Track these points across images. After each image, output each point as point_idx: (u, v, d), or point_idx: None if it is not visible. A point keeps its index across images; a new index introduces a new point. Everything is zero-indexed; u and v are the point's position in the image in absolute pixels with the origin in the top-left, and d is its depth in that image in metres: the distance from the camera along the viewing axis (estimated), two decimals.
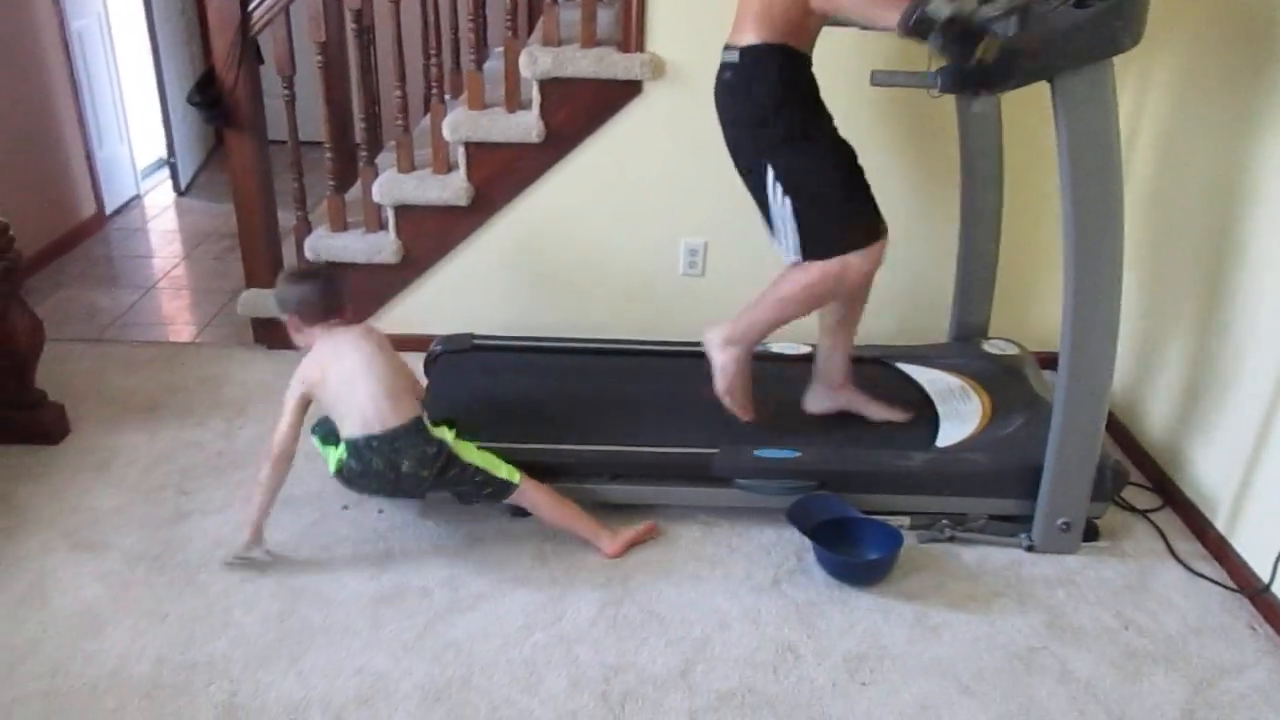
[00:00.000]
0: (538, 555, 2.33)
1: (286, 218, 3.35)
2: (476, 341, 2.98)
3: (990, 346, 2.95)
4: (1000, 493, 2.44)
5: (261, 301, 3.28)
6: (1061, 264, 2.15)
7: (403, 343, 3.21)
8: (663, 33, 2.91)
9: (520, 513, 2.44)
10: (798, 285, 2.34)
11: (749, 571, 2.32)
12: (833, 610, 2.20)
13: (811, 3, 2.13)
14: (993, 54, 1.91)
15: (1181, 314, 2.66)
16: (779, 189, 2.26)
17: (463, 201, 3.11)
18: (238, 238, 3.34)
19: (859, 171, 2.34)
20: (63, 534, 2.36)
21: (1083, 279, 2.13)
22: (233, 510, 2.44)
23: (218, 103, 3.07)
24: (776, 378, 2.75)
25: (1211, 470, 2.48)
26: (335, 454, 2.25)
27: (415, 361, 2.99)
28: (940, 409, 2.66)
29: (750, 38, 2.20)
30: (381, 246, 3.18)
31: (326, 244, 3.20)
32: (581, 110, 3.01)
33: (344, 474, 2.25)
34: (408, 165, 3.16)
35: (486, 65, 3.28)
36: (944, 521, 2.42)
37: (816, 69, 2.34)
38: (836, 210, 2.29)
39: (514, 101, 3.03)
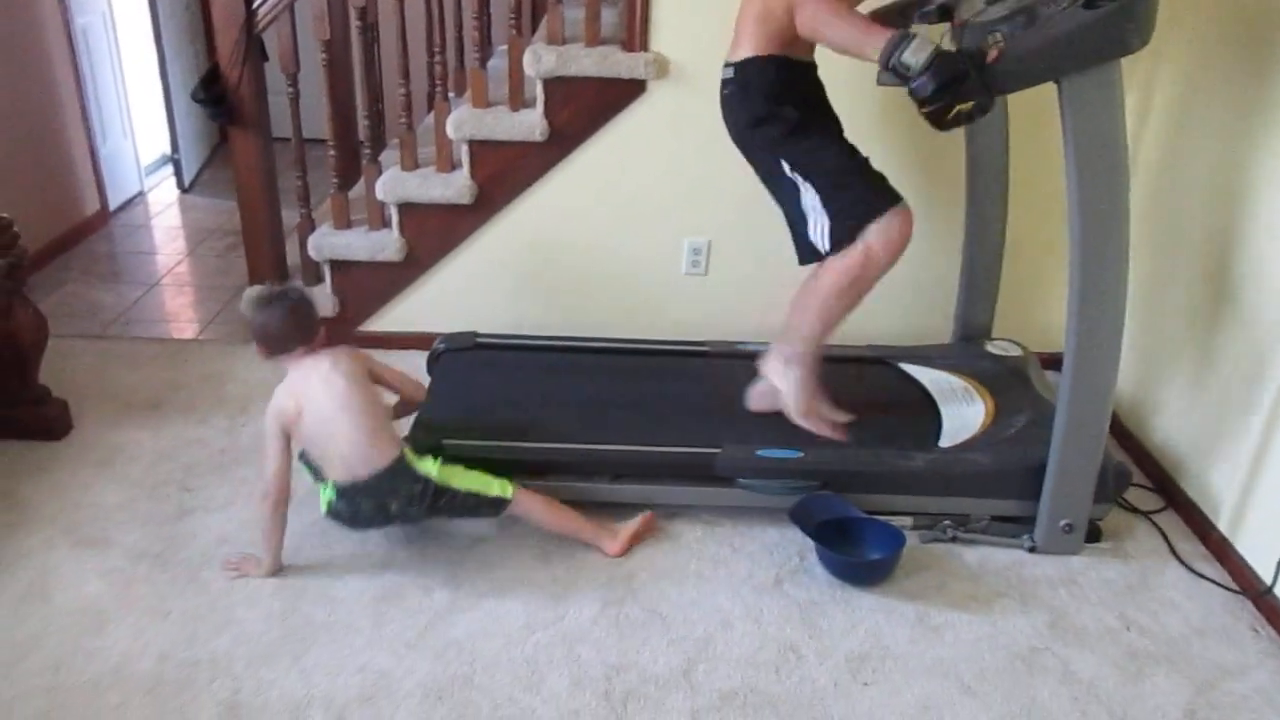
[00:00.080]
0: (540, 554, 2.33)
1: (290, 215, 3.35)
2: (479, 340, 2.98)
3: (994, 347, 2.94)
4: (1003, 493, 2.43)
5: None
6: (1066, 264, 2.15)
7: (406, 341, 3.24)
8: (667, 32, 2.91)
9: None
10: (837, 277, 2.32)
11: (751, 571, 2.32)
12: (835, 610, 2.20)
13: (798, 28, 2.15)
14: (967, 112, 1.92)
15: (1186, 315, 2.66)
16: (798, 177, 2.30)
17: (466, 199, 3.11)
18: (241, 235, 3.35)
19: (866, 159, 2.35)
20: (65, 530, 2.37)
21: (1088, 279, 2.13)
22: (236, 508, 2.44)
23: (222, 100, 3.08)
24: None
25: (1214, 472, 2.48)
26: (325, 494, 2.22)
27: (418, 360, 3.00)
28: (943, 410, 2.66)
29: (745, 52, 2.26)
30: (385, 244, 3.18)
31: (330, 241, 3.20)
32: (585, 109, 3.00)
33: (334, 515, 2.23)
34: (411, 163, 3.16)
35: (490, 63, 3.28)
36: (946, 522, 2.42)
37: (822, 69, 2.35)
38: (856, 179, 2.30)
39: (518, 100, 3.03)
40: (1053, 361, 2.58)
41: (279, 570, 2.22)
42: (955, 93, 1.92)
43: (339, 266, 3.24)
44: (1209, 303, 2.54)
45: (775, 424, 2.56)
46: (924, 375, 2.83)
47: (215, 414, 2.89)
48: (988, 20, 2.03)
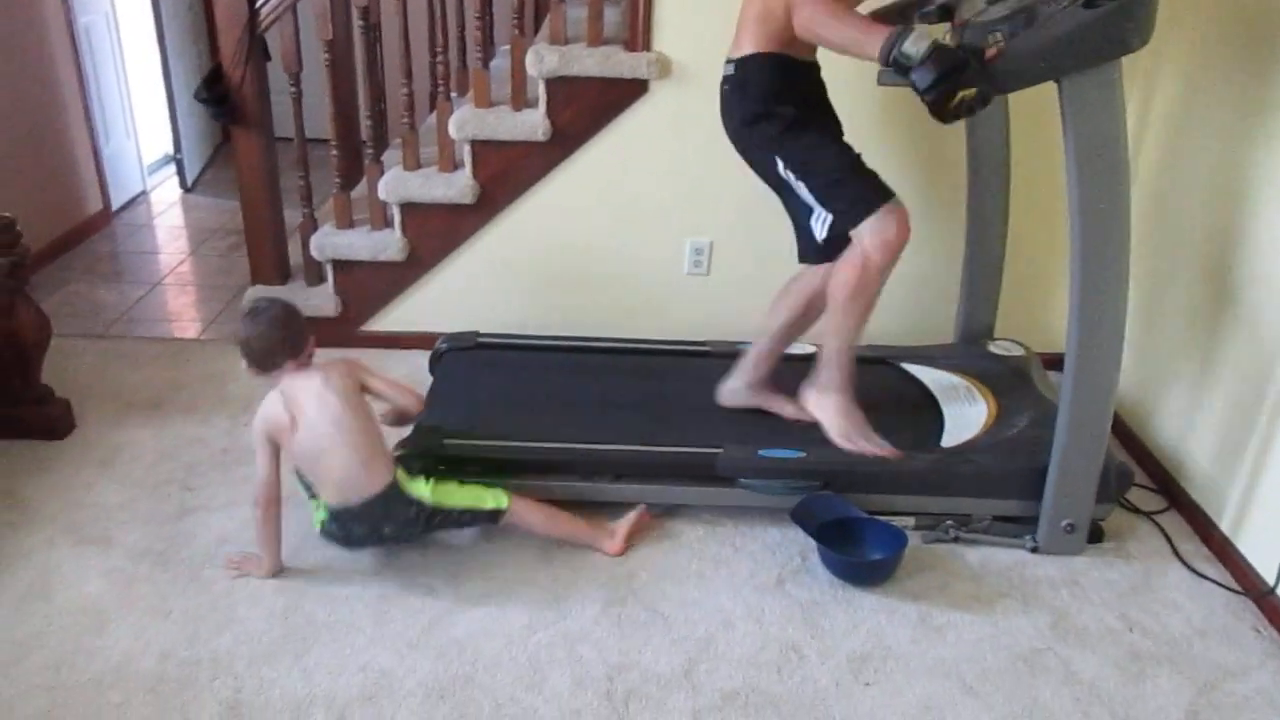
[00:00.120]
0: (541, 554, 2.33)
1: (292, 215, 3.36)
2: (481, 339, 2.99)
3: (996, 347, 2.94)
4: (1005, 493, 2.43)
5: (267, 298, 3.28)
6: (1068, 264, 2.15)
7: (408, 340, 3.25)
8: (669, 32, 2.91)
9: None
10: (843, 288, 2.30)
11: (753, 571, 2.32)
12: (837, 610, 2.20)
13: (795, 29, 2.15)
14: (972, 98, 1.92)
15: (1188, 315, 2.65)
16: (791, 175, 2.29)
17: (468, 199, 3.11)
18: (243, 234, 3.35)
19: (859, 156, 2.34)
20: (67, 529, 2.37)
21: (1089, 279, 2.12)
22: (237, 507, 2.44)
23: (225, 99, 3.08)
24: (782, 377, 2.75)
25: (1217, 472, 2.48)
26: (317, 513, 2.21)
27: (420, 360, 3.01)
28: (945, 409, 2.66)
29: (747, 49, 2.25)
30: (387, 244, 3.18)
31: (332, 241, 3.21)
32: (587, 109, 3.01)
33: (328, 535, 2.22)
34: (413, 163, 3.16)
35: (493, 63, 3.28)
36: (948, 522, 2.42)
37: (824, 70, 2.35)
38: (850, 177, 2.29)
39: (520, 100, 3.03)
40: (1055, 361, 2.57)
41: (280, 570, 2.22)
42: (956, 81, 1.92)
43: (341, 266, 3.24)
44: (1211, 302, 2.54)
45: (777, 424, 2.56)
46: (926, 375, 2.84)
47: (217, 413, 2.89)
48: (988, 20, 2.03)
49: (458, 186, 3.09)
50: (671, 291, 3.25)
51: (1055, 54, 1.96)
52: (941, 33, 2.13)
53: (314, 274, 3.32)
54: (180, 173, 5.01)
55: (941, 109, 1.95)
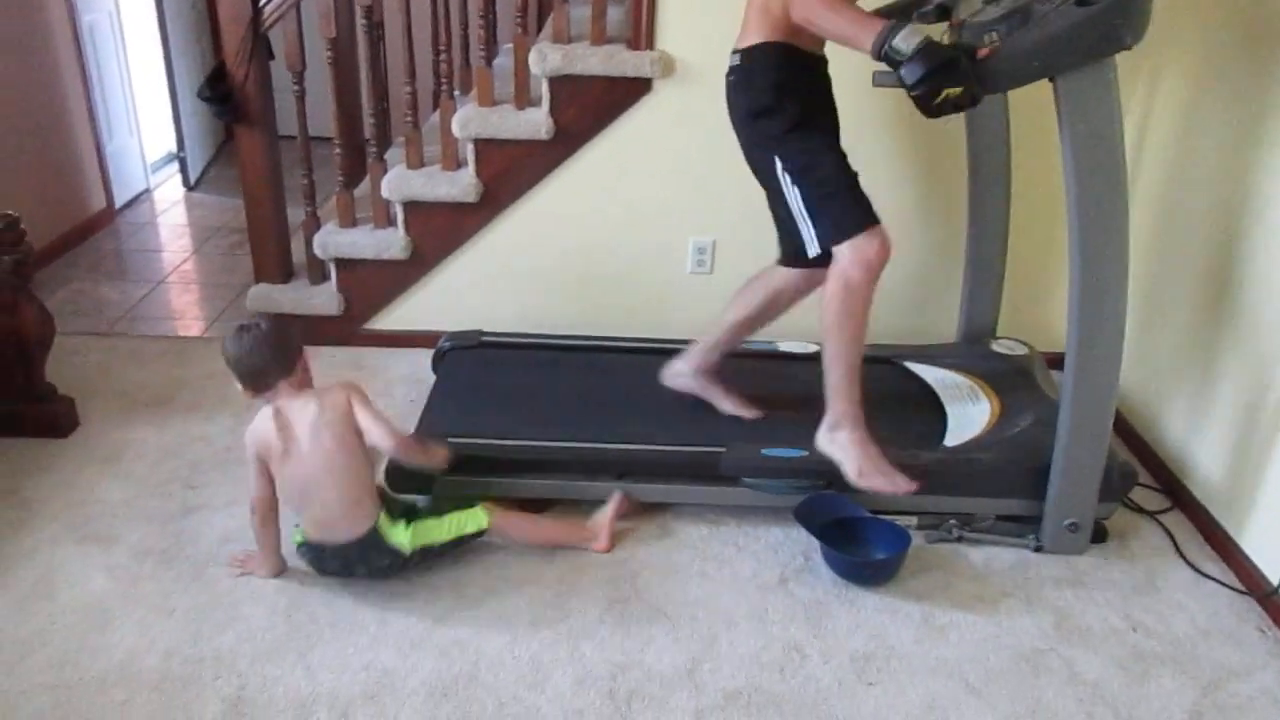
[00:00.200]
0: (544, 552, 2.33)
1: (295, 213, 3.36)
2: (484, 338, 2.99)
3: (999, 346, 2.94)
4: (1008, 493, 2.43)
5: (271, 297, 3.29)
6: (1068, 262, 2.14)
7: (411, 339, 3.25)
8: (673, 30, 2.91)
9: (533, 509, 2.44)
10: (833, 325, 2.29)
11: (756, 570, 2.32)
12: (840, 610, 2.20)
13: (791, 13, 2.14)
14: (959, 95, 1.93)
15: (1192, 314, 2.65)
16: (788, 179, 2.27)
17: (471, 198, 3.11)
18: (247, 233, 3.35)
19: (856, 175, 2.32)
20: (71, 527, 2.37)
21: (1088, 278, 2.12)
22: (240, 506, 2.44)
23: (228, 98, 3.08)
24: (783, 376, 2.75)
25: (1220, 472, 2.47)
26: (296, 533, 2.20)
27: (423, 358, 3.01)
28: (948, 409, 2.66)
29: (753, 39, 2.24)
30: (390, 242, 3.18)
31: (335, 240, 3.21)
32: (591, 107, 3.00)
33: (302, 556, 2.20)
34: (417, 161, 3.16)
35: (496, 62, 3.28)
36: (952, 521, 2.42)
37: (829, 67, 2.34)
38: (844, 193, 2.27)
39: (523, 98, 3.03)
40: (1059, 360, 2.56)
41: (282, 570, 2.22)
42: (944, 78, 1.92)
43: (344, 265, 3.24)
44: (1216, 301, 2.53)
45: (780, 423, 2.55)
46: (929, 374, 2.83)
47: (220, 412, 2.89)
48: (985, 20, 2.03)
49: (461, 185, 3.09)
50: (675, 290, 3.25)
51: (1049, 52, 1.96)
52: (939, 32, 2.13)
53: (317, 272, 3.32)
54: (183, 171, 5.01)
55: (926, 104, 1.96)
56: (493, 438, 2.47)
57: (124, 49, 4.60)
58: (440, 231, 3.18)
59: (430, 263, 3.23)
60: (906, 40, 1.93)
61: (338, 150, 3.23)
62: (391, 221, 3.21)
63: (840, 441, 2.37)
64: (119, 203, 4.54)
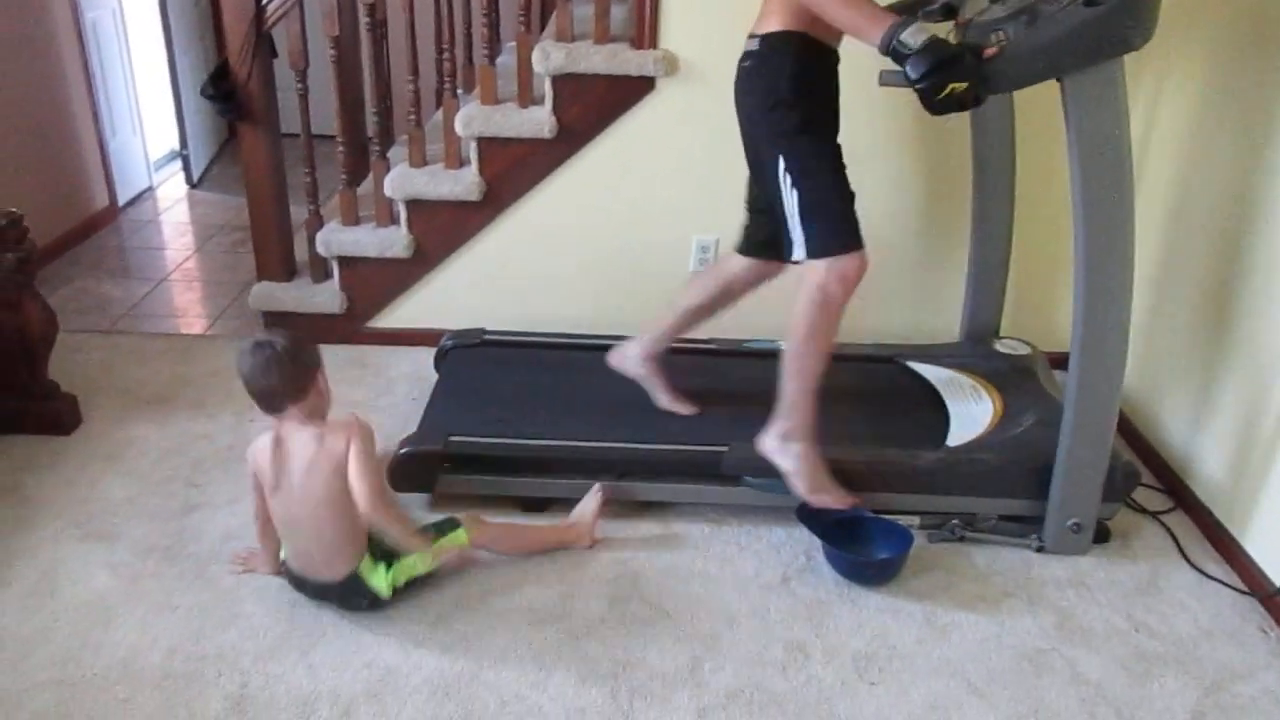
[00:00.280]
0: (547, 551, 2.33)
1: (298, 211, 3.35)
2: (487, 336, 2.99)
3: (1002, 346, 2.94)
4: (1011, 493, 2.43)
5: (273, 295, 3.29)
6: (1073, 263, 2.14)
7: (413, 337, 3.25)
8: (676, 29, 2.91)
9: (534, 507, 2.45)
10: (802, 335, 2.28)
11: (758, 570, 2.31)
12: (842, 609, 2.20)
13: (806, 1, 2.12)
14: (963, 92, 1.92)
15: (1194, 313, 2.65)
16: (788, 179, 2.23)
17: (474, 196, 3.11)
18: (250, 231, 3.35)
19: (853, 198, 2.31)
20: (73, 524, 2.37)
21: (1094, 278, 2.12)
22: (242, 504, 2.44)
23: (231, 96, 3.08)
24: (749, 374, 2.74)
25: (1223, 472, 2.47)
26: (283, 550, 2.17)
27: (425, 357, 3.01)
28: (951, 408, 2.66)
29: (773, 25, 2.19)
30: (393, 241, 3.18)
31: (338, 238, 3.21)
32: (594, 106, 3.00)
33: (285, 574, 2.17)
34: (420, 160, 3.16)
35: (499, 60, 3.28)
36: (954, 521, 2.42)
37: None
38: (840, 207, 2.26)
39: (526, 97, 3.03)
40: (1062, 360, 2.56)
41: (283, 569, 2.22)
42: (950, 73, 1.92)
43: (347, 263, 3.24)
44: (1219, 301, 2.53)
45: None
46: (932, 373, 2.83)
47: (223, 409, 2.89)
48: (991, 19, 2.02)
49: (464, 183, 3.09)
50: (678, 289, 3.24)
51: (1056, 53, 1.95)
52: (945, 31, 2.12)
53: (320, 270, 3.32)
54: (186, 169, 5.02)
55: (931, 99, 1.95)
56: (494, 436, 2.47)
57: (127, 46, 4.60)
58: (443, 230, 3.18)
59: (433, 261, 3.23)
60: (914, 36, 1.93)
61: (340, 148, 3.23)
62: (394, 220, 3.21)
63: (792, 452, 2.35)
64: (122, 200, 4.55)
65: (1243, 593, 2.29)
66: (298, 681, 1.94)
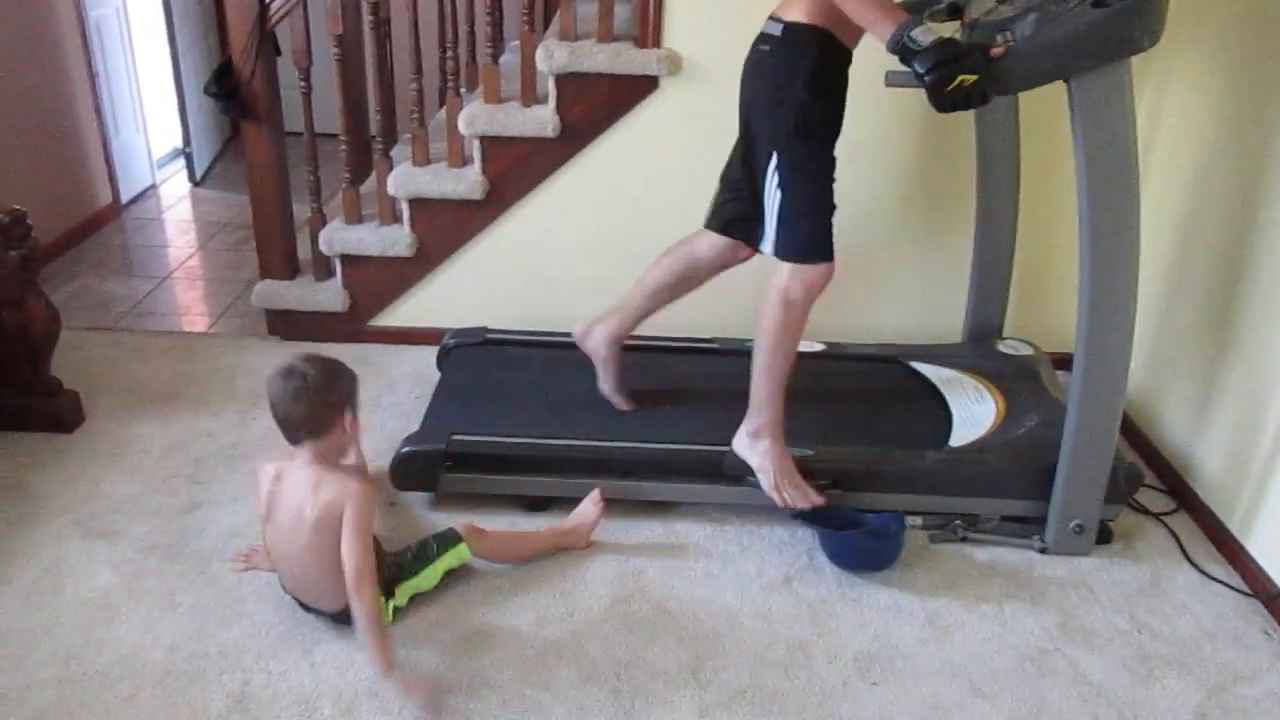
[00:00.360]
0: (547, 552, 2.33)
1: (301, 209, 3.35)
2: (489, 335, 2.99)
3: (1005, 346, 2.94)
4: (1013, 493, 2.43)
5: (276, 293, 3.29)
6: (1077, 264, 2.14)
7: (415, 336, 3.25)
8: (680, 28, 2.90)
9: (536, 506, 2.45)
10: (768, 334, 2.28)
11: (760, 569, 2.31)
12: (844, 609, 2.20)
13: None
14: (969, 86, 1.92)
15: (1199, 316, 2.65)
16: (777, 178, 2.22)
17: (477, 195, 3.11)
18: (252, 229, 3.35)
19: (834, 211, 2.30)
20: (76, 522, 2.38)
21: (1099, 280, 2.12)
22: (245, 502, 2.44)
23: (234, 94, 3.08)
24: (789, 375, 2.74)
25: (1226, 474, 2.47)
26: None
27: (427, 355, 3.01)
28: (954, 409, 2.65)
29: (796, 13, 2.15)
30: (396, 239, 3.18)
31: (341, 236, 3.21)
32: (597, 105, 3.00)
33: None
34: (423, 158, 3.16)
35: (502, 59, 3.28)
36: (957, 522, 2.42)
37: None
38: (822, 216, 2.25)
39: (530, 96, 3.03)
40: (1064, 361, 2.57)
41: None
42: (958, 66, 1.91)
43: (350, 261, 3.24)
44: (1222, 302, 2.53)
45: (785, 422, 2.55)
46: (935, 374, 2.83)
47: (226, 407, 2.89)
48: (998, 19, 2.02)
49: (467, 182, 3.09)
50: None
51: (1063, 53, 1.95)
52: (952, 30, 2.12)
53: (322, 269, 3.32)
54: (189, 167, 5.01)
55: (939, 90, 1.94)
56: (497, 435, 2.47)
57: (131, 45, 4.60)
58: (446, 228, 3.18)
59: (435, 260, 3.23)
60: (924, 35, 1.93)
61: (344, 147, 3.23)
62: (397, 218, 3.21)
63: (760, 451, 2.36)
64: (125, 198, 4.55)
65: (1246, 594, 2.29)
66: (300, 680, 1.95)
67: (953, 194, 3.04)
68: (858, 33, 2.15)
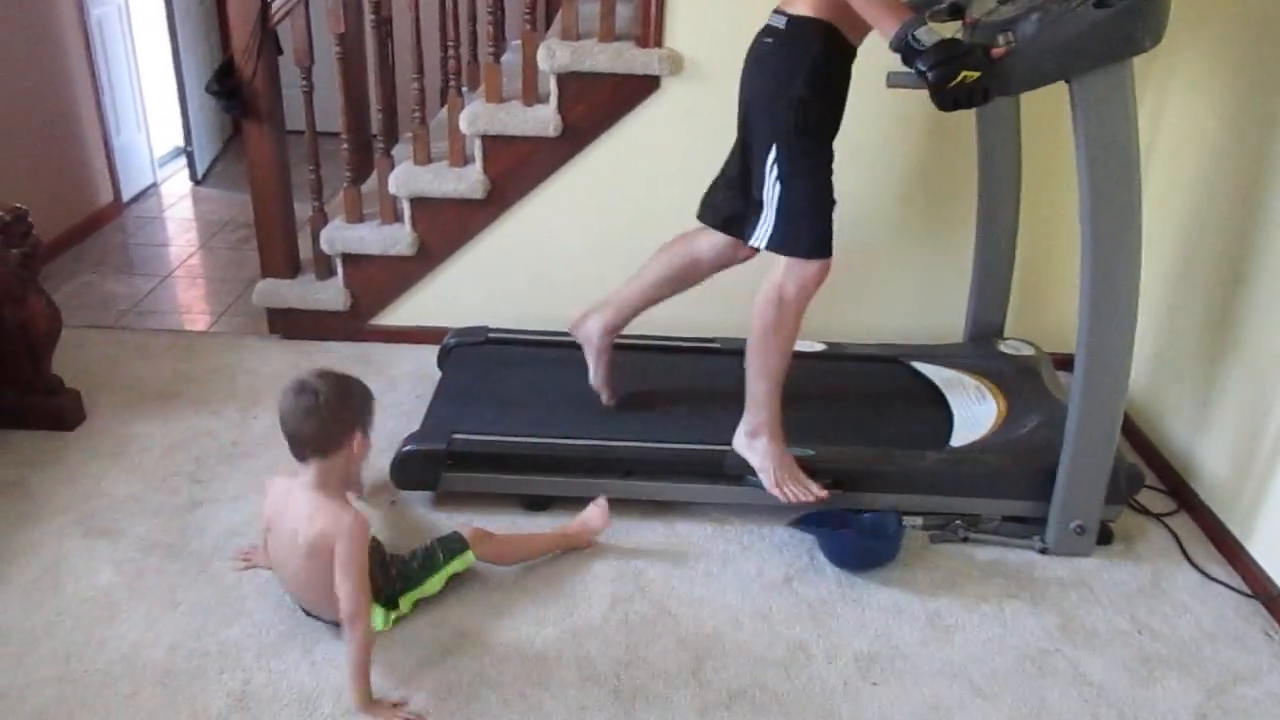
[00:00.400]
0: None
1: (303, 208, 3.35)
2: (491, 334, 2.99)
3: (1006, 347, 2.94)
4: (1014, 494, 2.43)
5: (277, 291, 3.29)
6: (1079, 264, 2.14)
7: (416, 335, 3.25)
8: (682, 28, 2.90)
9: (537, 506, 2.45)
10: (762, 332, 2.28)
11: (761, 569, 2.31)
12: (844, 609, 2.20)
13: None
14: (971, 84, 1.92)
15: (1200, 316, 2.64)
16: (774, 172, 2.20)
17: (479, 194, 3.11)
18: (254, 227, 3.35)
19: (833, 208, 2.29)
20: (77, 520, 2.38)
21: (1100, 280, 2.12)
22: (246, 500, 2.45)
23: (236, 93, 3.08)
24: (790, 375, 2.74)
25: (1227, 474, 2.47)
26: None
27: (428, 354, 3.01)
28: (955, 409, 2.65)
29: (802, 7, 2.13)
30: (397, 238, 3.18)
31: (342, 235, 3.21)
32: (599, 105, 3.00)
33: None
34: (424, 157, 3.16)
35: (504, 58, 3.28)
36: (958, 522, 2.42)
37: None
38: (820, 214, 2.25)
39: (531, 95, 3.02)
40: (1065, 361, 2.56)
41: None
42: (961, 61, 1.91)
43: (351, 260, 3.24)
44: (1223, 303, 2.53)
45: (786, 422, 2.55)
46: (936, 374, 2.83)
47: (227, 406, 2.89)
48: (1000, 19, 2.02)
49: (468, 181, 3.09)
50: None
51: (1065, 54, 1.95)
52: (953, 31, 2.12)
53: (324, 268, 3.32)
54: (191, 165, 5.01)
55: (942, 86, 1.93)
56: (498, 434, 2.47)
57: (132, 43, 4.60)
58: (447, 227, 3.18)
59: (437, 259, 3.23)
60: (928, 35, 1.93)
61: (345, 146, 3.23)
62: (398, 217, 3.21)
63: (759, 449, 2.36)
64: (126, 197, 4.55)
65: (1246, 595, 2.29)
66: (300, 678, 1.95)
67: (953, 194, 3.04)
68: (864, 29, 2.14)
